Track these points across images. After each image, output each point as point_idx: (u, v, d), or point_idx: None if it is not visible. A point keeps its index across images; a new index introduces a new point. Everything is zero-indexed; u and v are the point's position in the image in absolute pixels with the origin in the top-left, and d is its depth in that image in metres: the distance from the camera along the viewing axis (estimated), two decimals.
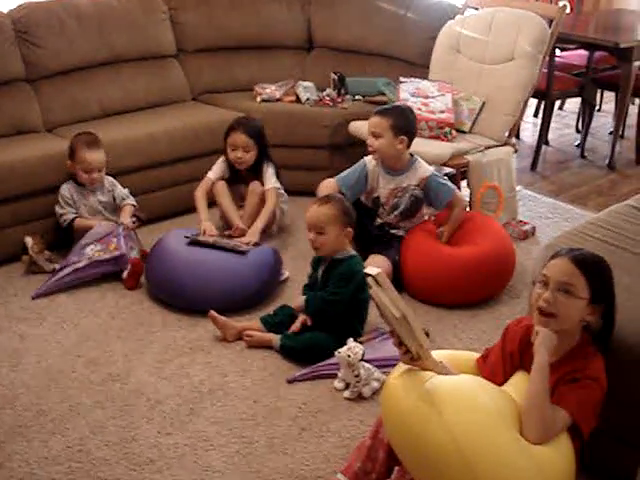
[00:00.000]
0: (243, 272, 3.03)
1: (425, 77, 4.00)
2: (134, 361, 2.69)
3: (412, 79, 3.90)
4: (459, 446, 1.64)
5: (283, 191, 3.66)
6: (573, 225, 3.96)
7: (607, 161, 4.90)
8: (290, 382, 2.59)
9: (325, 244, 2.71)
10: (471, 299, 3.09)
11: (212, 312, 2.79)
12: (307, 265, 3.05)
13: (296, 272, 3.26)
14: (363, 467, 1.98)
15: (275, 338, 2.75)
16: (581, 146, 5.13)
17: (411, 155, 3.27)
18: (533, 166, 4.82)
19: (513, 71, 3.75)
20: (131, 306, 3.06)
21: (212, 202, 3.55)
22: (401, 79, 3.91)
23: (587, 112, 5.08)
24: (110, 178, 3.42)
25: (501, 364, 1.95)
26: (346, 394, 2.52)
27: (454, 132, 3.73)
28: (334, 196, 2.80)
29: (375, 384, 2.54)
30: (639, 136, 4.99)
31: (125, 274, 3.15)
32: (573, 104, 5.87)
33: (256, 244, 3.21)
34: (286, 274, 3.26)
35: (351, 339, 2.55)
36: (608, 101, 5.84)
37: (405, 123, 3.21)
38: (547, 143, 5.19)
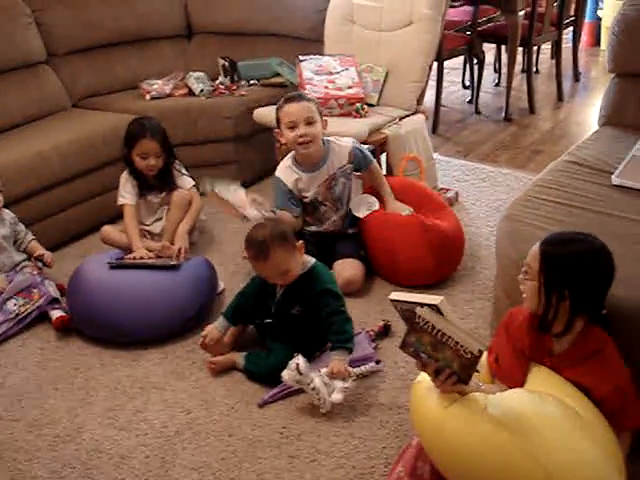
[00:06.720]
0: (179, 291, 2.72)
1: (319, 52, 3.80)
2: (81, 415, 2.37)
3: (312, 56, 3.68)
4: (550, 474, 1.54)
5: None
6: (491, 184, 3.96)
7: (503, 114, 4.91)
8: (261, 406, 2.36)
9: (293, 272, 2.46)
10: (435, 277, 2.95)
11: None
12: (240, 272, 2.82)
13: (230, 282, 3.00)
14: None
15: (239, 358, 2.51)
16: (474, 102, 5.11)
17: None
18: (434, 129, 4.74)
19: (414, 36, 3.61)
20: (59, 351, 2.70)
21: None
22: (300, 57, 3.67)
23: (477, 67, 5.06)
24: (7, 210, 2.97)
25: (517, 364, 1.86)
26: (322, 410, 2.31)
27: (366, 107, 3.55)
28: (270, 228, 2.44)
29: (339, 384, 2.31)
30: (530, 86, 5.01)
31: (57, 314, 2.79)
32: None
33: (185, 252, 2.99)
34: (222, 286, 2.99)
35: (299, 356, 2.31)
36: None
37: (317, 102, 3.00)
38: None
